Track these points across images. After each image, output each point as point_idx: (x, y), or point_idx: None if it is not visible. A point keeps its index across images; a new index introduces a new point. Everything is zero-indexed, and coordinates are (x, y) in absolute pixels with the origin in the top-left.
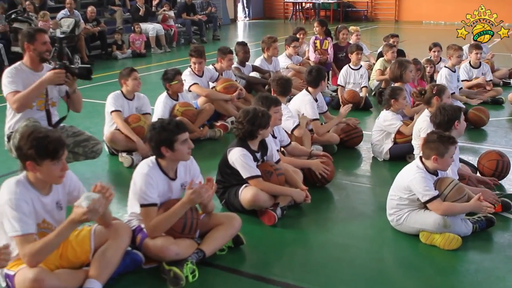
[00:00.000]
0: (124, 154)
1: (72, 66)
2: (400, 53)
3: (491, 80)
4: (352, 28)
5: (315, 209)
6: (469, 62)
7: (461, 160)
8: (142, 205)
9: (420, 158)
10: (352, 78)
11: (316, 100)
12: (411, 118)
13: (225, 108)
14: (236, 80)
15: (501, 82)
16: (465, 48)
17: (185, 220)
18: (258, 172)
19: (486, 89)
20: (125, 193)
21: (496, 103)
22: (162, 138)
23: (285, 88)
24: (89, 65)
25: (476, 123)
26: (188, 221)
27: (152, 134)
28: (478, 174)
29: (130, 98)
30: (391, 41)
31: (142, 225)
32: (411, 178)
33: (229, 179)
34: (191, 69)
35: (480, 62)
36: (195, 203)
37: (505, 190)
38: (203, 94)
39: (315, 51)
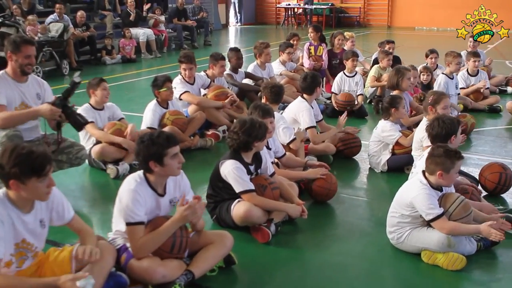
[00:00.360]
0: (110, 165)
1: (71, 109)
2: (396, 59)
3: (488, 88)
4: (347, 34)
5: (311, 225)
6: (467, 70)
7: (462, 172)
8: (128, 224)
9: (423, 172)
10: (346, 86)
11: (311, 108)
12: (409, 128)
13: (216, 116)
14: (228, 87)
15: (497, 89)
16: (463, 54)
17: (174, 239)
18: (252, 186)
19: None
20: (108, 206)
21: (494, 111)
22: (151, 152)
23: (278, 95)
24: (85, 121)
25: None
26: (177, 240)
27: (140, 147)
28: (479, 187)
29: (100, 109)
30: (386, 47)
31: (128, 244)
32: (415, 194)
33: (221, 193)
34: (182, 76)
35: (478, 70)
36: (188, 221)
37: (508, 205)
38: (194, 102)
39: (309, 58)
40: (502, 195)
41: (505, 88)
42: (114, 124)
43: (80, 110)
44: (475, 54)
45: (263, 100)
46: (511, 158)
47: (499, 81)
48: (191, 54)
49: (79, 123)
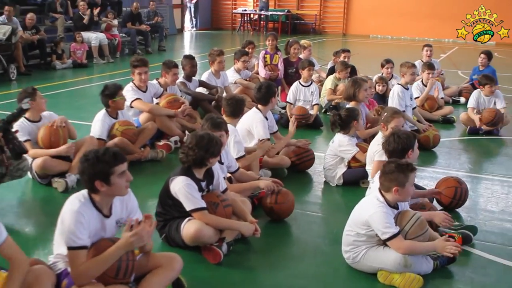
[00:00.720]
0: (56, 179)
1: (13, 135)
2: (352, 69)
3: (442, 98)
4: (305, 42)
5: (264, 243)
6: (421, 81)
7: (417, 186)
8: (70, 248)
9: (379, 190)
10: (302, 95)
11: (266, 119)
12: (365, 141)
13: (169, 126)
14: (181, 96)
15: (451, 100)
16: (417, 64)
17: (120, 263)
18: (203, 204)
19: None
20: (52, 225)
21: (447, 122)
22: (96, 171)
23: (236, 109)
24: (24, 151)
25: (424, 144)
26: (123, 264)
27: (84, 166)
28: (434, 201)
29: (36, 121)
30: (342, 56)
31: (69, 269)
32: (371, 213)
33: (171, 211)
34: (133, 83)
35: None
36: (134, 247)
37: (463, 220)
38: (146, 110)
39: (265, 66)
40: (457, 209)
41: (458, 99)
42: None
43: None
44: (429, 66)
45: (221, 112)
46: (465, 170)
47: (452, 92)
48: (144, 58)
49: (18, 152)
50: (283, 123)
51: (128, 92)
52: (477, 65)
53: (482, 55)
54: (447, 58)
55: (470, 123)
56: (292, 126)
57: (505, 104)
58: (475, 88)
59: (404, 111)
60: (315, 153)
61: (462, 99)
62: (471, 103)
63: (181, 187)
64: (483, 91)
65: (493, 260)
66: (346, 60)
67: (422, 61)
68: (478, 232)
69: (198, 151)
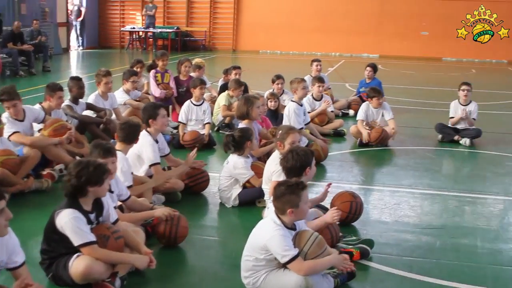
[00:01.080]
0: None
1: None
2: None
3: (332, 111)
4: (200, 62)
5: (160, 274)
6: (312, 95)
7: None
8: None
9: (276, 212)
10: (194, 115)
11: (156, 142)
12: (259, 159)
13: (56, 153)
14: (67, 120)
15: (340, 113)
16: (307, 78)
17: None
18: (93, 238)
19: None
20: None
21: (338, 135)
22: None
23: (130, 134)
24: None
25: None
26: None
27: None
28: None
29: None
30: (233, 73)
31: None
32: (269, 237)
33: (57, 248)
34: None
35: (322, 94)
36: None
37: (359, 233)
38: (27, 143)
39: (158, 86)
40: (353, 223)
41: (348, 111)
42: None
43: None
44: (319, 80)
45: (115, 137)
46: (358, 183)
47: (342, 105)
48: (10, 89)
49: None
50: (175, 144)
51: (5, 124)
52: (364, 78)
53: (368, 68)
54: (335, 72)
55: (360, 135)
56: (191, 156)
57: (393, 115)
58: (363, 101)
59: (302, 128)
60: (209, 173)
61: (351, 112)
62: (360, 115)
63: (68, 221)
64: (371, 103)
65: (390, 272)
66: (237, 76)
67: (311, 76)
68: (374, 245)
69: (73, 179)
